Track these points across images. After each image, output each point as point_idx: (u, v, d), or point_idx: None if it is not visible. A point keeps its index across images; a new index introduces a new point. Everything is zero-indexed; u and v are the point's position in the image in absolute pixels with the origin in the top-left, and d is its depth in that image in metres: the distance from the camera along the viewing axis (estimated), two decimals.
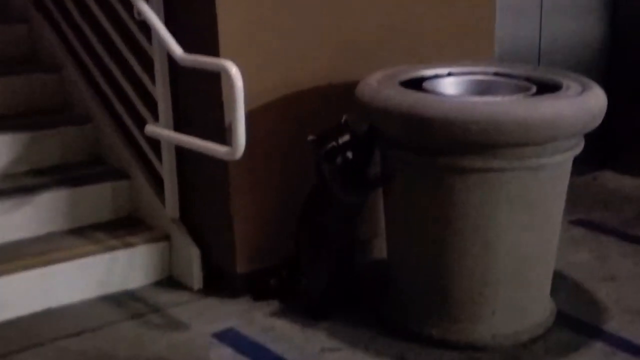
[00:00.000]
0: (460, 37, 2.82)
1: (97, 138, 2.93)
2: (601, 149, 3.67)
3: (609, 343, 2.29)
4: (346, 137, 2.15)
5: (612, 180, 3.68)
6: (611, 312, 2.45)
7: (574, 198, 3.30)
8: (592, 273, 2.73)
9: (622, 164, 3.75)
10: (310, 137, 2.17)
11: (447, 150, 2.12)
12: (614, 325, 2.38)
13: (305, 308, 2.42)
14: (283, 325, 2.37)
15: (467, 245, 2.18)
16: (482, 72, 2.49)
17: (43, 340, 2.29)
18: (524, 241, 2.22)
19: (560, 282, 2.60)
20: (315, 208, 2.35)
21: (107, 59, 2.78)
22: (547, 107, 2.12)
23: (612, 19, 3.71)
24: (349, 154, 2.13)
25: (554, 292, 2.45)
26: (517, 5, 3.36)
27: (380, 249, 2.58)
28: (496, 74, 2.47)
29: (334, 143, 2.13)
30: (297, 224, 2.40)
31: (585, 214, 3.25)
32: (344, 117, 2.21)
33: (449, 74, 2.47)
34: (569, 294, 2.57)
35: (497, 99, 2.21)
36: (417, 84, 2.34)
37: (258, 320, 2.40)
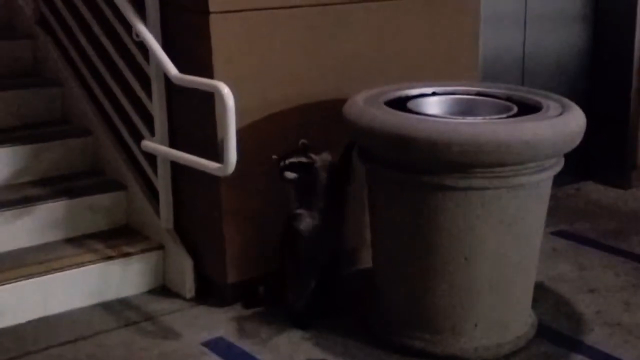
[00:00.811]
0: (445, 59, 2.91)
1: (96, 150, 3.02)
2: (584, 160, 3.73)
3: (589, 356, 2.35)
4: (293, 159, 2.38)
5: (594, 191, 3.75)
6: (591, 325, 2.52)
7: (556, 209, 3.41)
8: (573, 285, 2.80)
9: (604, 175, 3.81)
10: (274, 157, 2.40)
11: (430, 169, 2.20)
12: (594, 337, 2.45)
13: (290, 319, 2.50)
14: (271, 335, 2.45)
15: (449, 260, 2.26)
16: (465, 92, 2.57)
17: (38, 348, 2.37)
18: (504, 257, 2.29)
19: (542, 294, 2.68)
20: (294, 219, 2.45)
21: (107, 75, 2.88)
22: (527, 129, 2.19)
23: (595, 27, 3.75)
24: (290, 174, 2.38)
25: (535, 304, 2.53)
26: (501, 14, 3.43)
27: (369, 258, 2.65)
28: (479, 93, 2.55)
29: (281, 163, 2.39)
30: (279, 238, 2.50)
31: (568, 225, 3.33)
32: (301, 142, 2.42)
33: (434, 94, 2.56)
34: (550, 306, 2.64)
35: (478, 120, 2.29)
36: (402, 103, 2.43)
37: (247, 330, 2.49)
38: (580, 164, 3.70)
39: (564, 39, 3.70)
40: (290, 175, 2.37)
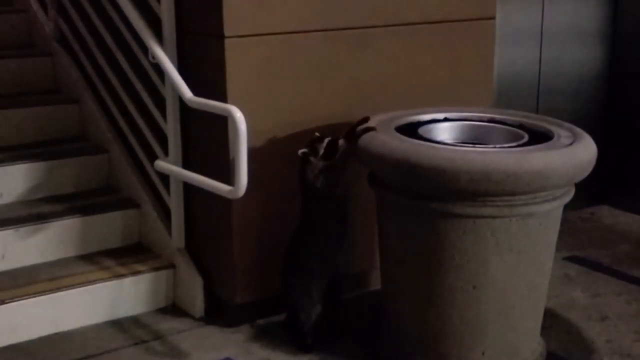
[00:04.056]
0: (458, 84, 2.92)
1: (111, 168, 3.07)
2: (599, 184, 3.69)
3: None
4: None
5: (608, 216, 3.72)
6: (601, 354, 2.50)
7: (570, 234, 3.41)
8: (584, 312, 2.78)
9: (619, 199, 3.79)
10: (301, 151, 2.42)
11: (439, 196, 2.21)
12: None
13: (296, 342, 2.51)
14: (279, 357, 2.46)
15: (457, 287, 2.26)
16: (477, 118, 2.58)
17: None
18: (513, 285, 2.29)
19: (553, 321, 2.67)
20: (298, 241, 2.48)
21: (123, 95, 2.93)
22: (537, 159, 2.18)
23: (611, 45, 3.72)
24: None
25: (545, 331, 2.51)
26: (517, 32, 3.43)
27: (378, 280, 2.66)
28: (491, 120, 2.55)
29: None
30: (283, 261, 2.52)
31: (581, 250, 3.31)
32: (316, 134, 2.44)
33: (445, 119, 2.57)
34: (560, 333, 2.63)
35: (489, 148, 2.29)
36: (413, 128, 2.44)
37: (254, 351, 2.50)
38: (595, 187, 3.68)
39: (581, 57, 3.67)
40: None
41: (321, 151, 2.38)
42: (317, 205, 2.45)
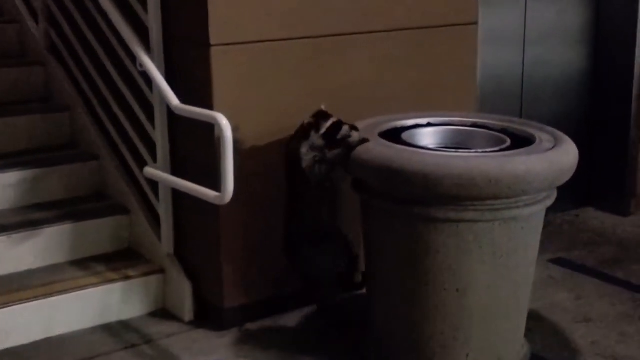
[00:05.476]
0: (442, 89, 2.96)
1: (102, 175, 3.10)
2: (584, 186, 3.74)
3: None
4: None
5: (594, 218, 3.75)
6: (585, 356, 2.53)
7: (555, 236, 3.44)
8: (569, 314, 2.81)
9: (604, 201, 3.82)
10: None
11: (422, 201, 2.24)
12: None
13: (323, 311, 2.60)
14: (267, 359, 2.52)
15: (441, 291, 2.29)
16: (460, 123, 2.62)
17: None
18: (496, 288, 2.32)
19: (537, 324, 2.70)
20: (293, 203, 2.48)
21: (113, 102, 2.97)
22: (518, 163, 2.22)
23: (595, 47, 3.75)
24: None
25: (529, 333, 2.55)
26: (500, 35, 3.47)
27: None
28: (474, 125, 2.59)
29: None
30: (284, 232, 2.53)
31: (566, 252, 3.34)
32: (322, 107, 2.42)
33: (429, 124, 2.60)
34: (545, 336, 2.66)
35: (471, 153, 2.33)
36: (397, 133, 2.48)
37: (243, 355, 2.53)
38: (580, 190, 3.71)
39: (564, 60, 3.70)
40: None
41: (323, 130, 2.34)
42: (301, 188, 2.43)
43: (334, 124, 2.36)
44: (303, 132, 2.37)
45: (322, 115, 2.38)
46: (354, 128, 2.36)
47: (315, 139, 2.35)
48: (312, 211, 2.46)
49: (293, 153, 2.39)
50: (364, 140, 2.33)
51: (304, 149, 2.35)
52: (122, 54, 2.78)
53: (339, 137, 2.34)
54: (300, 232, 2.49)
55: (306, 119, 2.37)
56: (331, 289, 2.53)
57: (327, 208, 2.49)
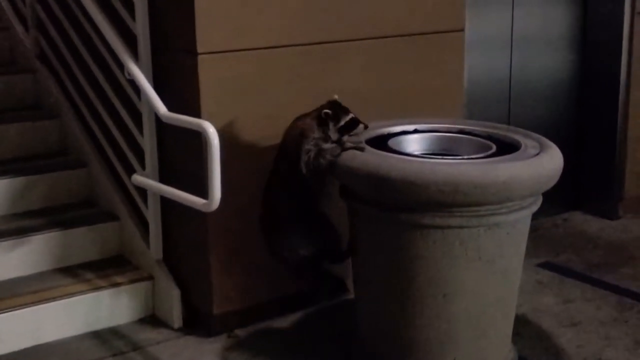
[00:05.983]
0: (429, 95, 2.98)
1: (91, 182, 3.12)
2: (572, 190, 3.76)
3: None
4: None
5: (582, 222, 3.77)
6: (572, 359, 2.54)
7: (542, 240, 3.47)
8: (556, 318, 2.83)
9: (592, 205, 3.84)
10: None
11: (408, 207, 2.26)
12: None
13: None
14: None
15: (427, 297, 2.31)
16: (447, 129, 2.63)
17: None
18: (482, 293, 2.34)
19: (524, 328, 2.73)
20: (272, 193, 2.49)
21: (101, 110, 2.98)
22: (503, 170, 2.23)
23: (582, 52, 3.77)
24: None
25: (517, 337, 2.57)
26: (487, 39, 3.48)
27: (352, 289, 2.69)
28: (460, 131, 2.61)
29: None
30: (262, 214, 2.52)
31: (553, 256, 3.36)
32: (335, 97, 2.42)
33: (415, 131, 2.62)
34: (532, 340, 2.68)
35: (456, 160, 2.35)
36: (383, 140, 2.50)
37: None
38: (567, 194, 3.73)
39: (552, 64, 3.72)
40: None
41: (342, 122, 2.34)
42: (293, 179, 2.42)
43: (352, 119, 2.37)
44: (320, 121, 2.34)
45: (339, 107, 2.38)
46: (366, 127, 2.39)
47: (332, 130, 2.35)
48: (294, 196, 2.44)
49: (299, 138, 2.36)
50: (358, 148, 2.34)
51: (318, 138, 2.33)
52: (110, 62, 2.79)
53: (352, 133, 2.36)
54: (278, 213, 2.47)
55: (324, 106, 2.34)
56: (311, 266, 2.51)
57: (311, 195, 2.47)
